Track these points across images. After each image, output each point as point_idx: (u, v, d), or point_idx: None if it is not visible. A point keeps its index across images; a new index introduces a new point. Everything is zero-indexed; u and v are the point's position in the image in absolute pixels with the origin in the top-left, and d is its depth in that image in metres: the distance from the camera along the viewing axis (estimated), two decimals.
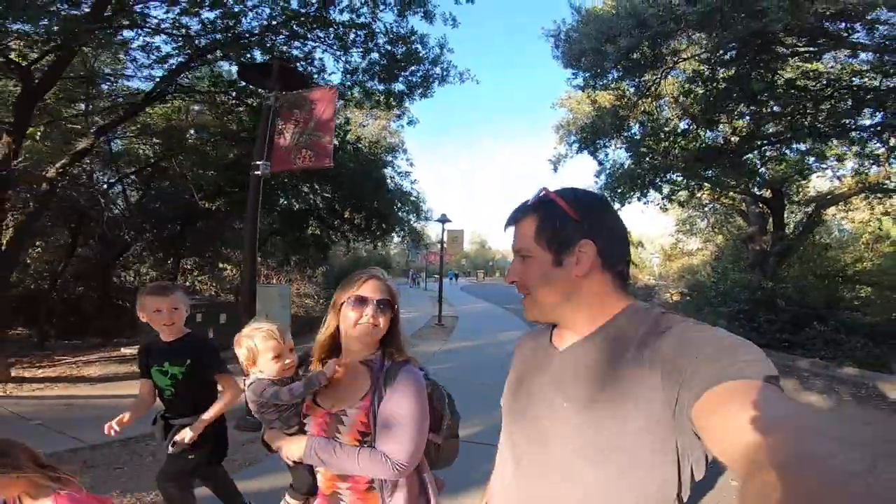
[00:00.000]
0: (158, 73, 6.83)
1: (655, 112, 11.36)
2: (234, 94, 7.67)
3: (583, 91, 10.96)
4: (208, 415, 2.34)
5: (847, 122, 8.07)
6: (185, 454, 2.39)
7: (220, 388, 2.48)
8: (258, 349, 1.52)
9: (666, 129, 10.53)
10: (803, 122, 8.82)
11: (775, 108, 9.02)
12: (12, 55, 5.25)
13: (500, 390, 1.15)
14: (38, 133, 5.64)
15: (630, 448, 0.81)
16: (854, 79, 8.51)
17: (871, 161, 9.73)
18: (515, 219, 1.00)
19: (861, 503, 0.30)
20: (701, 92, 8.46)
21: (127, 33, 6.22)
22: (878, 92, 7.73)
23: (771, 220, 14.93)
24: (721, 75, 8.13)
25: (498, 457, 1.10)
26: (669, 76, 10.64)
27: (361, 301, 1.42)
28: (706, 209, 21.83)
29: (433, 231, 30.19)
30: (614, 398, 0.83)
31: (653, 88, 10.36)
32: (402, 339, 1.55)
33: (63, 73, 5.44)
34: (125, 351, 7.65)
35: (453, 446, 1.65)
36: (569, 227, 0.93)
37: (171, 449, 2.33)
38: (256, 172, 4.45)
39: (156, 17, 6.07)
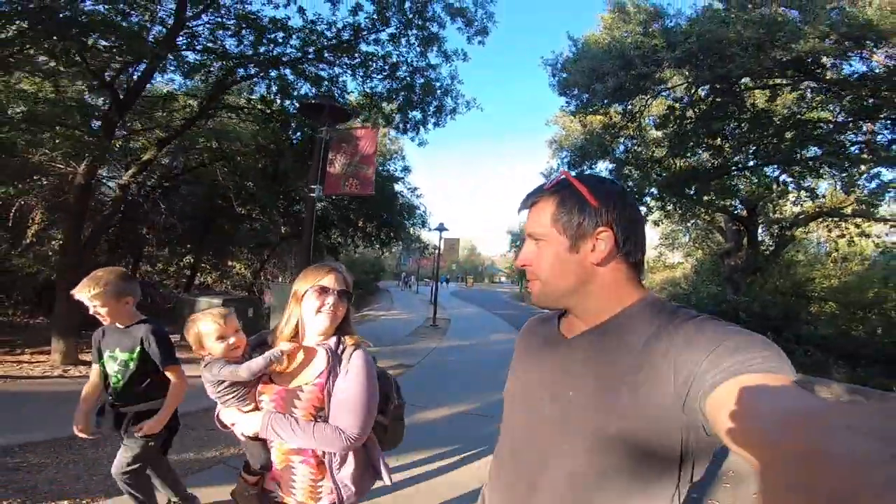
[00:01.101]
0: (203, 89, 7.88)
1: (639, 136, 12.63)
2: (270, 111, 8.69)
3: (574, 116, 12.22)
4: (166, 409, 2.40)
5: (796, 153, 9.40)
6: (146, 442, 2.44)
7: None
8: (202, 333, 1.59)
9: (643, 156, 11.82)
10: (767, 151, 10.17)
11: (746, 137, 10.35)
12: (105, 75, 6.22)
13: (497, 377, 1.17)
14: (117, 145, 6.56)
15: (635, 440, 0.81)
16: (808, 115, 9.88)
17: (808, 194, 11.12)
18: (532, 201, 0.99)
19: (882, 492, 0.30)
20: (672, 128, 9.75)
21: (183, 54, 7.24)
22: (822, 129, 9.11)
23: (747, 237, 16.39)
24: (690, 114, 9.43)
25: (498, 445, 1.11)
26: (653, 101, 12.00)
27: (323, 291, 1.54)
28: (688, 225, 23.20)
29: (427, 237, 31.34)
30: (622, 389, 0.83)
31: (637, 114, 11.67)
32: (353, 324, 1.67)
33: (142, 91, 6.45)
34: None
35: (400, 428, 1.79)
36: (588, 212, 0.92)
37: (136, 436, 2.39)
38: (312, 195, 5.52)
39: (213, 43, 7.14)
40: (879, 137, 9.76)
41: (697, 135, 9.46)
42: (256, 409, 1.56)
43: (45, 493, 3.13)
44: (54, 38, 5.27)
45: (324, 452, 1.52)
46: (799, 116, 9.36)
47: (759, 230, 17.02)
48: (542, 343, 1.07)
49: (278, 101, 8.64)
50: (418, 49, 7.86)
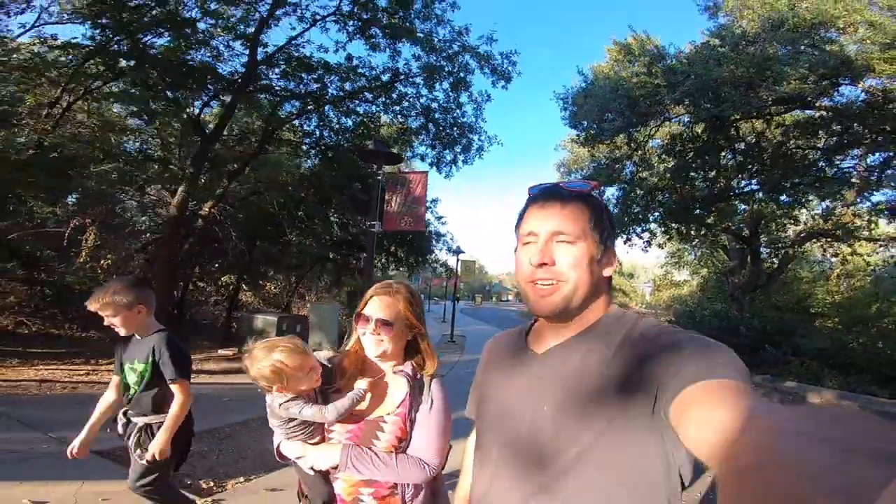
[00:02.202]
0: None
1: (644, 162, 13.81)
2: (321, 146, 9.98)
3: (583, 147, 13.44)
4: (166, 431, 2.35)
5: (781, 184, 10.53)
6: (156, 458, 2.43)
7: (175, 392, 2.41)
8: (287, 366, 1.46)
9: (648, 181, 12.98)
10: (760, 177, 11.33)
11: (739, 167, 11.50)
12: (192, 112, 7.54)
13: None
14: (202, 180, 7.76)
15: (613, 451, 0.82)
16: (797, 140, 11.02)
17: (790, 220, 12.26)
18: (562, 199, 0.97)
19: (831, 497, 0.31)
20: (672, 163, 10.93)
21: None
22: (808, 159, 10.27)
23: (749, 256, 17.40)
24: (689, 147, 10.61)
25: (473, 467, 1.10)
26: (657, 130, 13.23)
27: (364, 319, 1.51)
28: (693, 244, 24.28)
29: (443, 256, 32.82)
30: (597, 400, 0.85)
31: (642, 143, 12.86)
32: (429, 352, 1.60)
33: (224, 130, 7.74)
34: (221, 352, 9.70)
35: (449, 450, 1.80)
36: (612, 228, 1.00)
37: (143, 459, 2.39)
38: (373, 230, 6.67)
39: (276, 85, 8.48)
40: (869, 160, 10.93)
41: (696, 166, 10.63)
42: (323, 440, 1.53)
43: (222, 473, 4.03)
44: (158, 76, 6.56)
45: (395, 483, 1.47)
46: (784, 149, 10.51)
47: (763, 249, 18.05)
48: (511, 360, 1.07)
49: (325, 135, 9.90)
50: (450, 93, 9.12)
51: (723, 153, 10.46)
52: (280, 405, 1.50)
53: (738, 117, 9.87)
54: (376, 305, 1.52)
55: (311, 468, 1.49)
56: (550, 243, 0.95)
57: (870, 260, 14.65)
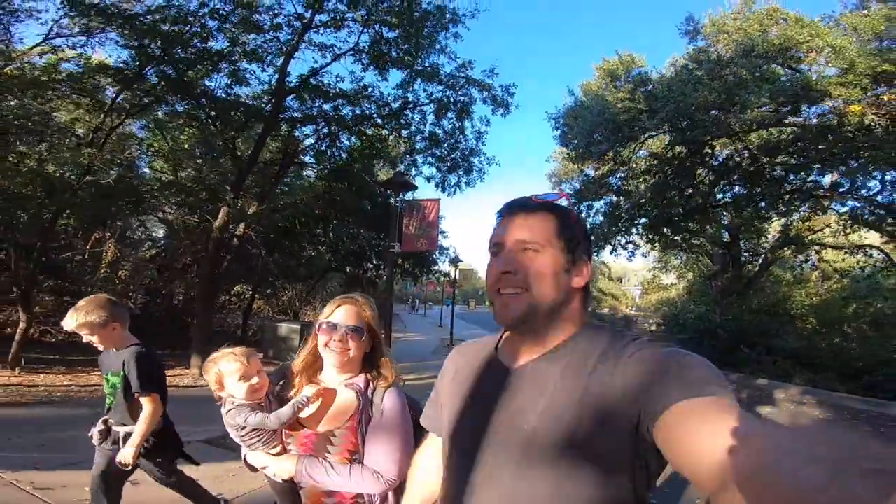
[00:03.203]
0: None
1: (628, 175, 15.01)
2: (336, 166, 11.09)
3: (573, 163, 14.63)
4: (133, 444, 2.44)
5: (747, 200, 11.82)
6: (153, 459, 2.62)
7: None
8: (223, 373, 1.57)
9: (634, 194, 14.19)
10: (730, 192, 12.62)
11: (714, 184, 12.74)
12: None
13: None
14: (238, 203, 8.75)
15: (594, 467, 0.82)
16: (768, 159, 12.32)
17: (755, 232, 13.61)
18: (527, 209, 0.99)
19: None
20: (651, 181, 12.16)
21: None
22: (766, 177, 11.60)
23: (731, 261, 18.64)
24: (666, 168, 11.84)
25: (443, 484, 1.06)
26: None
27: (331, 327, 1.53)
28: (675, 252, 25.54)
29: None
30: (577, 417, 0.84)
31: (627, 159, 14.08)
32: (386, 360, 1.63)
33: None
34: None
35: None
36: (584, 239, 0.99)
37: (144, 461, 2.57)
38: (392, 250, 7.72)
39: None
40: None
41: (672, 185, 11.87)
42: (284, 450, 1.57)
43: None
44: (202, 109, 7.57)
45: (359, 493, 1.50)
46: (752, 167, 11.76)
47: (744, 254, 19.31)
48: (480, 374, 1.05)
49: (336, 155, 10.97)
50: (455, 122, 10.24)
51: (699, 170, 11.68)
52: (227, 413, 1.56)
53: (709, 139, 11.07)
54: (344, 314, 1.55)
55: (274, 476, 1.54)
56: (514, 252, 0.95)
57: (839, 266, 15.90)
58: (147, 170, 11.20)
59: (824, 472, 0.35)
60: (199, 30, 8.08)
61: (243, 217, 8.32)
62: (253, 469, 1.62)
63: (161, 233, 15.29)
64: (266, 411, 1.55)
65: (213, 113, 8.35)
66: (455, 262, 17.22)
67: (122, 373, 2.49)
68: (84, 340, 2.45)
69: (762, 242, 18.47)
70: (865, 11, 11.36)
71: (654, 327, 26.01)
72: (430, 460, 1.21)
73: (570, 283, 0.96)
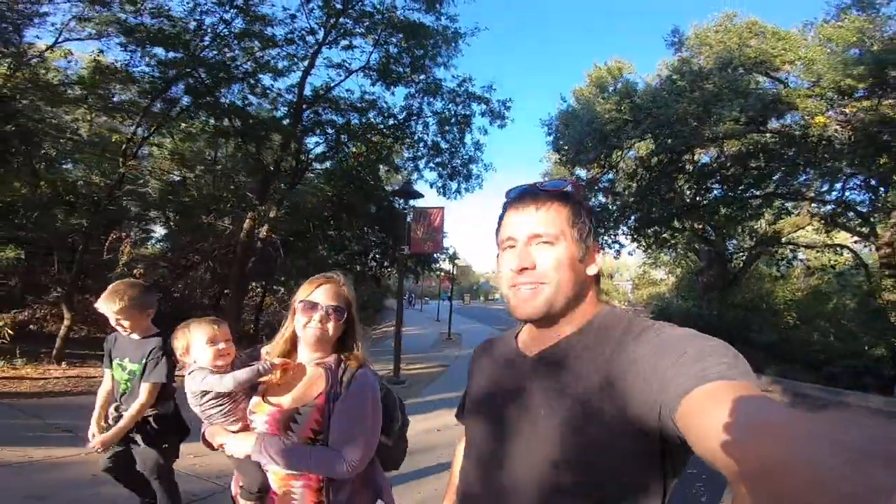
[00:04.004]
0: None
1: (616, 178, 16.06)
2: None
3: (564, 167, 15.66)
4: (118, 428, 2.44)
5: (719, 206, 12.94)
6: (158, 445, 2.59)
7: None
8: (191, 335, 1.62)
9: (623, 196, 15.25)
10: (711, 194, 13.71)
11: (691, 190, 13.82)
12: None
13: None
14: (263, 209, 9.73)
15: (614, 452, 0.83)
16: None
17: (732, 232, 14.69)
18: (538, 199, 0.98)
19: (849, 502, 0.31)
20: (635, 186, 13.23)
21: None
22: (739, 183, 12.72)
23: (716, 258, 19.75)
24: (646, 176, 12.91)
25: (461, 473, 1.12)
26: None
27: (311, 306, 1.51)
28: (661, 250, 26.72)
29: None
30: (596, 402, 0.85)
31: (615, 163, 15.14)
32: (359, 342, 1.63)
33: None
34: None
35: (402, 449, 1.80)
36: (593, 226, 1.00)
37: (144, 447, 2.56)
38: (402, 253, 8.75)
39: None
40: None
41: (653, 191, 12.96)
42: (245, 428, 1.55)
43: None
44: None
45: (327, 477, 1.49)
46: (726, 173, 12.86)
47: (732, 251, 20.40)
48: (501, 365, 1.08)
49: (342, 159, 11.98)
50: (456, 133, 11.27)
51: (679, 177, 12.75)
52: (188, 375, 1.57)
53: (686, 148, 12.12)
54: (325, 293, 1.53)
55: (234, 455, 1.51)
56: (529, 246, 0.96)
57: (811, 264, 17.06)
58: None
59: (846, 459, 0.34)
60: (230, 52, 9.06)
61: (266, 221, 9.30)
62: (210, 447, 1.59)
63: (161, 230, 16.20)
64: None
65: (240, 126, 9.31)
66: (453, 259, 18.27)
67: (144, 361, 2.48)
68: (113, 324, 2.43)
69: (743, 241, 19.57)
70: (840, 23, 12.03)
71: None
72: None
73: (585, 271, 0.98)
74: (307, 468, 1.47)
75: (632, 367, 0.83)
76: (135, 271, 14.55)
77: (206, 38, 9.42)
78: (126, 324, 2.43)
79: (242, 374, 1.50)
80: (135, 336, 2.52)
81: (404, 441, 1.81)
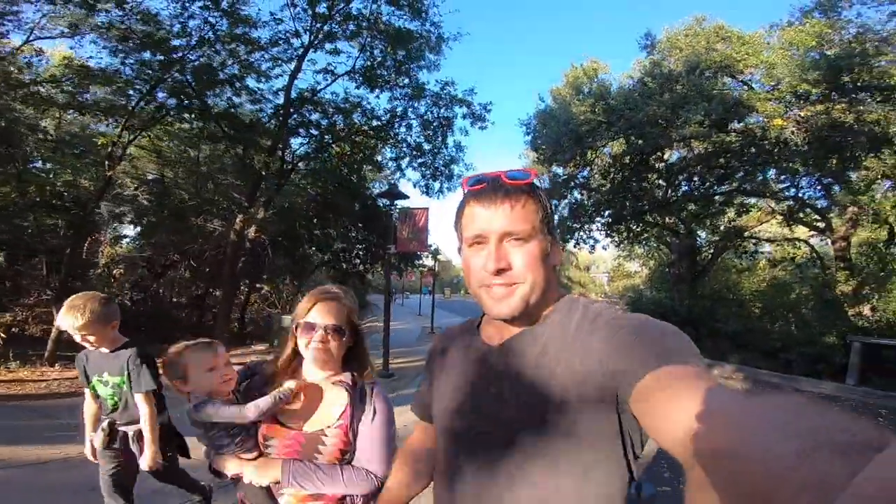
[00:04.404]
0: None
1: (591, 175, 16.76)
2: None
3: (542, 165, 16.29)
4: (152, 442, 2.49)
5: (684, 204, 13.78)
6: (163, 454, 2.59)
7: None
8: (188, 364, 1.51)
9: (598, 192, 15.95)
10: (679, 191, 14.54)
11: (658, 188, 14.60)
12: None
13: None
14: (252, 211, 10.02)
15: (582, 438, 0.85)
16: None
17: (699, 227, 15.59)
18: (508, 194, 0.95)
19: (798, 493, 0.31)
20: (608, 185, 13.96)
21: None
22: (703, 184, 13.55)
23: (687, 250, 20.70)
24: (619, 175, 13.65)
25: (437, 472, 1.13)
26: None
27: (310, 327, 1.48)
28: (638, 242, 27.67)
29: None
30: (558, 388, 0.88)
31: (590, 161, 15.82)
32: (368, 358, 1.63)
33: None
34: (255, 348, 11.87)
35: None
36: (552, 217, 1.00)
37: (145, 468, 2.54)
38: (390, 251, 9.20)
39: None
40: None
41: (624, 190, 13.71)
42: (260, 454, 1.50)
43: None
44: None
45: (343, 496, 1.49)
46: (691, 172, 13.68)
47: (703, 243, 21.38)
48: (465, 356, 1.09)
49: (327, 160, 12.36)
50: (439, 135, 11.75)
51: (649, 175, 13.50)
52: (194, 407, 1.48)
53: (654, 149, 12.86)
54: (323, 312, 1.50)
55: (251, 483, 1.46)
56: (503, 245, 0.94)
57: (774, 257, 18.13)
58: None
59: (797, 448, 0.34)
60: (218, 56, 9.31)
61: (255, 222, 9.64)
62: (219, 476, 1.53)
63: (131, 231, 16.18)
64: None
65: (229, 131, 9.60)
66: (436, 254, 18.78)
67: (125, 373, 2.48)
68: (78, 340, 2.37)
69: (711, 236, 20.53)
70: (802, 26, 12.57)
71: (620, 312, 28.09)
72: (419, 446, 1.29)
73: (550, 264, 0.98)
74: (338, 490, 1.47)
75: (589, 352, 0.87)
76: (115, 271, 14.66)
77: (192, 41, 9.63)
78: (92, 339, 2.38)
79: (264, 402, 1.44)
80: (104, 350, 2.50)
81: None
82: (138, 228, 15.79)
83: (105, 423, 2.59)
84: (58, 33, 9.85)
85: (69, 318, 2.27)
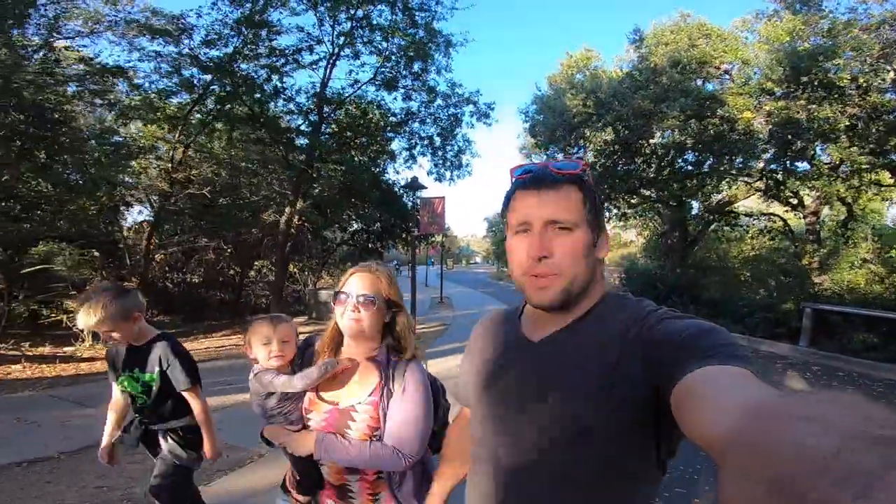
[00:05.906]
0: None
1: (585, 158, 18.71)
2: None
3: (539, 149, 18.24)
4: (209, 434, 2.47)
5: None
6: (190, 455, 2.53)
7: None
8: (252, 334, 1.68)
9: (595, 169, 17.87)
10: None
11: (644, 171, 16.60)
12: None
13: None
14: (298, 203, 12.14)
15: (620, 437, 0.88)
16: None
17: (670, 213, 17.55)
18: (556, 183, 0.99)
19: (833, 486, 0.31)
20: (600, 166, 15.91)
21: None
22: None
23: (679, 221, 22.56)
24: (607, 161, 15.63)
25: (472, 461, 1.15)
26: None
27: (343, 296, 1.54)
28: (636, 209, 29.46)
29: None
30: (597, 386, 0.89)
31: (584, 145, 17.73)
32: (407, 333, 1.63)
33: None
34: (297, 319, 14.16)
35: (445, 432, 1.76)
36: (600, 210, 1.02)
37: (178, 460, 2.50)
38: (413, 233, 11.34)
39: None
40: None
41: (612, 174, 15.76)
42: (304, 427, 1.60)
43: None
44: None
45: (381, 470, 1.55)
46: (671, 160, 15.67)
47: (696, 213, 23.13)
48: (505, 347, 1.11)
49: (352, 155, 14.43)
50: (449, 130, 13.84)
51: (636, 159, 15.49)
52: (254, 375, 1.63)
53: (638, 139, 14.82)
54: (356, 283, 1.56)
55: (294, 453, 1.56)
56: (547, 233, 0.96)
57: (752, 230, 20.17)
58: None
59: (832, 442, 0.34)
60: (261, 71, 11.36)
61: (299, 213, 11.85)
62: (269, 444, 1.63)
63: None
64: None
65: (275, 136, 11.70)
66: (445, 232, 20.97)
67: (157, 370, 2.38)
68: (102, 337, 2.28)
69: (705, 206, 22.28)
70: (778, 21, 13.99)
71: (617, 280, 30.32)
72: (463, 434, 1.28)
73: (595, 256, 1.01)
74: (366, 465, 1.53)
75: (633, 351, 0.89)
76: (157, 257, 16.57)
77: (238, 57, 11.55)
78: (115, 335, 2.26)
79: (311, 374, 1.52)
80: (134, 343, 2.41)
81: (447, 425, 1.79)
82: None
83: (137, 421, 2.51)
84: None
85: (82, 317, 2.17)
